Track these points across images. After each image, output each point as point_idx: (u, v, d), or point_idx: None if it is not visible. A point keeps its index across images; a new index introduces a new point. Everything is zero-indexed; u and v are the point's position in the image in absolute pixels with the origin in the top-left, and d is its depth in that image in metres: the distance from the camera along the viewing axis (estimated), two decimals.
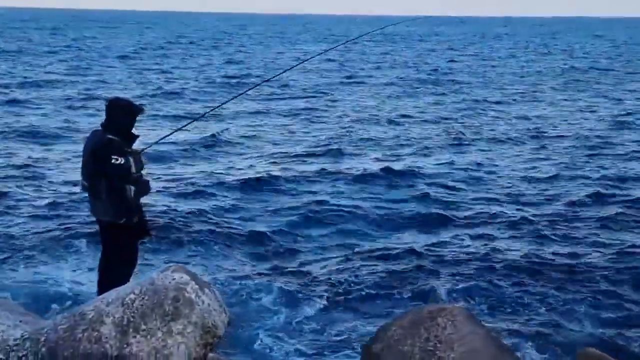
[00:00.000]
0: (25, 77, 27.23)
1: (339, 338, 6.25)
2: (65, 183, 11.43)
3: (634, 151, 15.34)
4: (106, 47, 47.44)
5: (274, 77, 10.07)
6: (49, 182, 11.65)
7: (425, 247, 8.77)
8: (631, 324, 6.81)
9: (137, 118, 5.96)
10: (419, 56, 47.03)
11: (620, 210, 10.50)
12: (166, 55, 43.18)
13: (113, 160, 5.68)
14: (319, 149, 15.20)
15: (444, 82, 30.01)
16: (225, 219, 9.90)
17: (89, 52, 42.86)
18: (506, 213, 10.37)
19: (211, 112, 7.86)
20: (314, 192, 11.45)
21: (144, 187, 5.98)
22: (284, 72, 9.01)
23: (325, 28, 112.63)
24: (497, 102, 23.64)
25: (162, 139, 6.91)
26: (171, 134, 7.22)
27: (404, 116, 20.14)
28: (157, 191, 10.49)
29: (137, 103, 6.23)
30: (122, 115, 5.84)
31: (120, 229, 5.84)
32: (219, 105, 8.25)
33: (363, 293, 7.25)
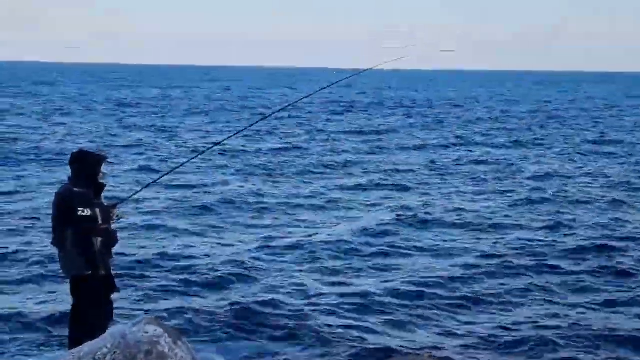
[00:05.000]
0: None
1: None
2: None
3: None
4: None
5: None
6: None
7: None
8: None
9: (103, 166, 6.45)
10: None
11: None
12: None
13: (79, 212, 6.11)
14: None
15: None
16: (194, 264, 10.46)
17: None
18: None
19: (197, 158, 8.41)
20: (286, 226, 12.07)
21: (111, 239, 6.42)
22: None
23: None
24: None
25: (135, 193, 7.39)
26: (146, 187, 7.73)
27: None
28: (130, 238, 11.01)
29: (101, 152, 6.73)
30: (85, 166, 6.31)
31: (88, 282, 6.23)
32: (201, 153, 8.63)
33: (333, 335, 7.77)
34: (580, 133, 32.40)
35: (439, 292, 9.42)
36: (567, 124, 37.90)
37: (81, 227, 6.10)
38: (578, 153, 25.10)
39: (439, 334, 8.13)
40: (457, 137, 30.45)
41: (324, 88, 10.13)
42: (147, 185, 7.82)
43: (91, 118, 36.22)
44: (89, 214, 6.11)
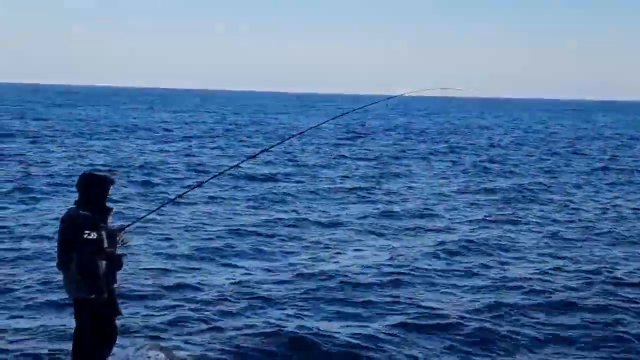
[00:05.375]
0: None
1: None
2: None
3: None
4: None
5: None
6: None
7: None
8: None
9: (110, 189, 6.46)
10: None
11: None
12: None
13: (85, 235, 6.11)
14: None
15: None
16: (200, 290, 10.36)
17: None
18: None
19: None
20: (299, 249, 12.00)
21: (115, 262, 6.41)
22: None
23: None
24: None
25: (143, 217, 7.38)
26: (155, 210, 7.71)
27: None
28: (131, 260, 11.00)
29: (109, 175, 6.72)
30: (92, 189, 6.31)
31: (91, 305, 6.21)
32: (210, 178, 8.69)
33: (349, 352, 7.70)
34: (591, 162, 32.28)
35: (449, 324, 9.26)
36: (579, 152, 37.81)
37: (86, 250, 6.09)
38: (589, 183, 24.96)
39: None
40: (471, 164, 30.38)
41: (344, 114, 10.10)
42: (155, 210, 7.82)
43: (102, 140, 36.43)
44: (94, 237, 6.11)
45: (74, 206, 6.34)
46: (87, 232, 6.10)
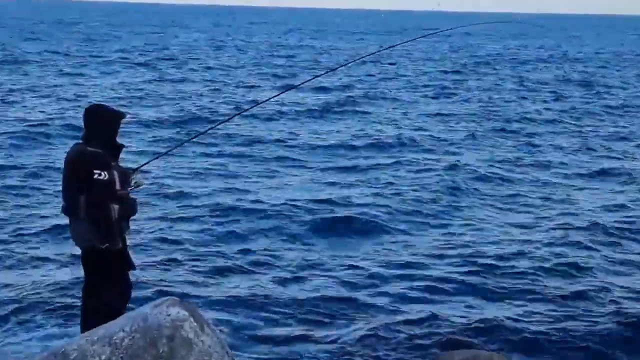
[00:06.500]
0: None
1: None
2: None
3: None
4: None
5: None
6: None
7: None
8: None
9: (121, 125, 5.78)
10: None
11: None
12: None
13: (95, 175, 5.45)
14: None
15: None
16: (228, 248, 9.64)
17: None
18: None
19: (217, 126, 7.82)
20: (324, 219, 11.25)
21: (129, 207, 5.73)
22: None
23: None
24: None
25: (157, 157, 6.74)
26: (171, 150, 7.11)
27: None
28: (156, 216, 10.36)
29: (118, 108, 6.02)
30: (102, 123, 5.61)
31: (104, 256, 5.56)
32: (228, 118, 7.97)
33: (383, 335, 7.00)
34: None
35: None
36: None
37: (97, 192, 5.42)
38: None
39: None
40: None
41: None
42: (172, 150, 7.16)
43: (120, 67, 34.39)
44: (105, 177, 5.45)
45: (80, 143, 5.64)
46: (97, 171, 5.42)
